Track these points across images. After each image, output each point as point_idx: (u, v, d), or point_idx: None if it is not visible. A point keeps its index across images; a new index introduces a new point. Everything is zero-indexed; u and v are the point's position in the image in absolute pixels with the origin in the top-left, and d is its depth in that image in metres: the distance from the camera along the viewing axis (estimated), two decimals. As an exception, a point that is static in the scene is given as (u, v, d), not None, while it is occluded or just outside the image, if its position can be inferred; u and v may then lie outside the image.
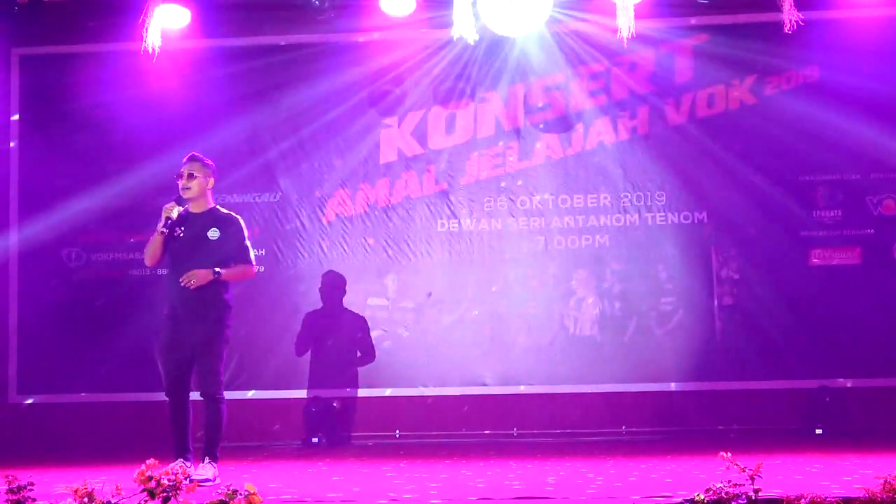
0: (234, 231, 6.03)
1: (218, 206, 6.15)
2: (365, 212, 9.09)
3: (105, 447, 8.20)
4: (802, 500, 4.11)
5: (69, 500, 4.29)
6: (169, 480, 4.25)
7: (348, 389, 8.88)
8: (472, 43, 7.99)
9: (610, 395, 8.74)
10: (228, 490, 4.30)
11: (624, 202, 8.90)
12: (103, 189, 8.98)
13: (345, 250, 9.04)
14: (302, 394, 8.84)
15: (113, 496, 4.30)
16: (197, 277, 5.83)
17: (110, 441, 8.43)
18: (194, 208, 6.03)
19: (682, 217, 8.86)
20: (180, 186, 5.99)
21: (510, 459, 6.93)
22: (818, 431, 8.30)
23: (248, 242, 6.12)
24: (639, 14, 7.63)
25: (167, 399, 5.96)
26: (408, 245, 9.03)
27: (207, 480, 5.61)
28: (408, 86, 9.07)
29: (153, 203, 9.01)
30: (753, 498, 4.10)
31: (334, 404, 8.73)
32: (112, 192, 8.98)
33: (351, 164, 9.09)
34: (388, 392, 8.91)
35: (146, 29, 7.73)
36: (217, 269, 5.88)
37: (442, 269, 8.97)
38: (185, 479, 4.35)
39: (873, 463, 5.99)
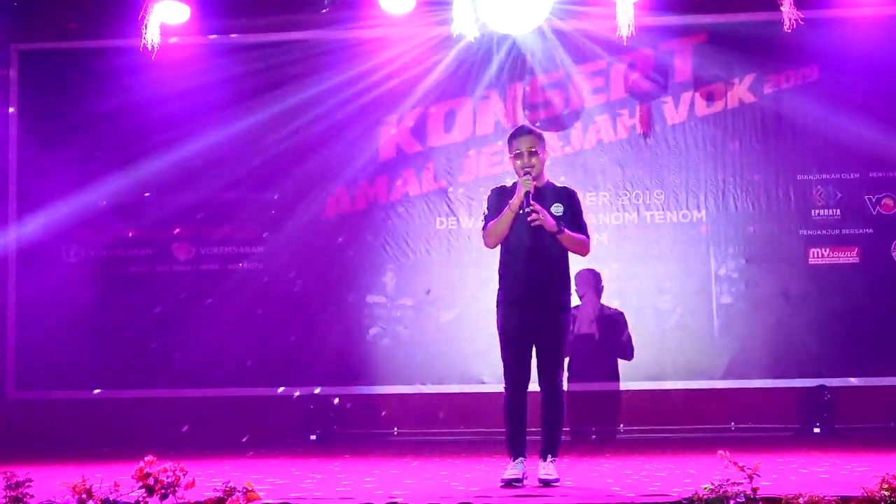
0: (576, 204, 5.40)
1: (551, 179, 5.53)
2: (364, 209, 9.09)
3: (103, 443, 8.19)
4: (801, 498, 4.11)
5: (67, 496, 4.28)
6: (167, 477, 4.24)
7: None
8: (472, 40, 7.99)
9: (607, 394, 8.73)
10: (226, 487, 4.29)
11: (622, 200, 8.91)
12: (102, 185, 8.99)
13: (343, 248, 9.03)
14: (300, 390, 8.83)
15: (111, 493, 4.30)
16: (544, 218, 5.19)
17: (108, 437, 8.42)
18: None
19: (680, 216, 8.86)
20: (520, 166, 5.30)
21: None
22: (816, 430, 8.31)
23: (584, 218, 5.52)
24: (638, 12, 7.63)
25: (506, 392, 5.32)
26: (406, 243, 9.03)
27: (556, 480, 5.14)
28: (407, 83, 9.05)
29: (152, 199, 9.07)
30: (752, 496, 4.09)
31: (334, 401, 8.73)
32: (111, 188, 9.00)
33: (350, 161, 9.07)
34: (385, 389, 8.91)
35: (145, 25, 7.73)
36: (562, 226, 5.24)
37: (440, 266, 8.97)
38: (183, 475, 4.34)
39: (871, 461, 5.99)
